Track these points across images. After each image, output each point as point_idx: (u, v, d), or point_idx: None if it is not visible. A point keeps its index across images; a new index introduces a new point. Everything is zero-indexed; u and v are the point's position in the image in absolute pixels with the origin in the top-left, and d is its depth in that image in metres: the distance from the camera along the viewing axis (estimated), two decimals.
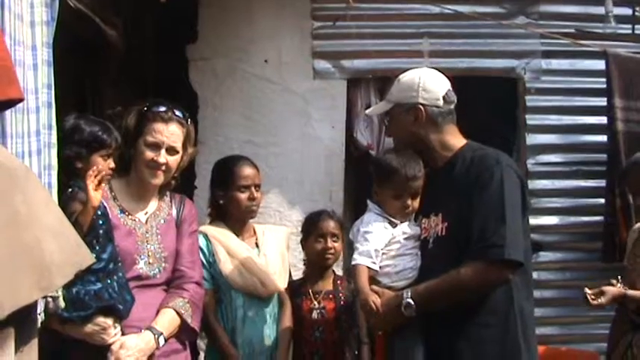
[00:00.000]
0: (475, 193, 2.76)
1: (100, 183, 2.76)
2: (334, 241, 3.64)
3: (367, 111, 3.76)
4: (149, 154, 3.08)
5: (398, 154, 2.96)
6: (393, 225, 2.94)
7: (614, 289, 3.77)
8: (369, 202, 3.04)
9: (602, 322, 4.31)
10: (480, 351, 2.74)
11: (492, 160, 2.81)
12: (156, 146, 3.08)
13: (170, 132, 3.10)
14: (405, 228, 2.94)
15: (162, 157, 3.08)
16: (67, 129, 2.84)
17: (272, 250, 3.65)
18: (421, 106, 2.91)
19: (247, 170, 3.61)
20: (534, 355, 2.85)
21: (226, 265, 3.49)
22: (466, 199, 2.76)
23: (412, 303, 2.74)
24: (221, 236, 3.55)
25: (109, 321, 2.76)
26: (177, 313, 3.02)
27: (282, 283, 3.62)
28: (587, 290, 3.80)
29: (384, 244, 2.90)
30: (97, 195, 2.74)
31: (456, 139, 2.96)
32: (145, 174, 3.10)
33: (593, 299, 3.77)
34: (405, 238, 2.92)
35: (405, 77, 3.01)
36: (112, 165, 2.93)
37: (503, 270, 2.72)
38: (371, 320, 2.97)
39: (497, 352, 2.74)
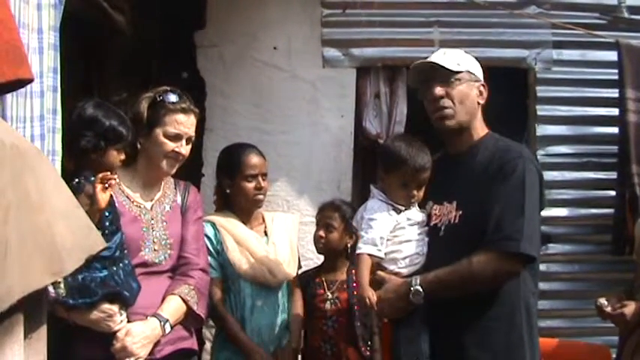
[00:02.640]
0: (496, 184, 2.72)
1: (109, 186, 2.73)
2: (329, 232, 3.60)
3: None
4: (170, 145, 3.07)
5: (407, 143, 2.92)
6: (398, 211, 2.92)
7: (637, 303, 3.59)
8: (372, 187, 3.01)
9: None
10: (485, 342, 2.72)
11: (516, 152, 2.78)
12: (177, 138, 3.08)
13: (190, 123, 3.11)
14: (410, 214, 2.92)
15: (184, 148, 3.09)
16: (85, 118, 2.80)
17: (281, 238, 3.63)
18: (484, 85, 2.90)
19: (255, 159, 3.58)
20: (536, 350, 2.83)
21: (235, 254, 3.47)
22: (486, 189, 2.72)
23: (421, 290, 2.72)
24: (229, 225, 3.52)
25: (115, 308, 2.76)
26: (183, 300, 3.01)
27: (291, 272, 3.59)
28: (601, 300, 3.63)
29: (388, 231, 2.88)
30: (104, 197, 2.72)
31: (482, 127, 2.94)
32: (163, 164, 3.08)
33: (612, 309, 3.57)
34: (410, 225, 2.90)
35: (461, 52, 2.94)
36: (123, 157, 2.91)
37: (516, 263, 2.70)
38: (377, 308, 2.92)
39: (502, 345, 2.73)
